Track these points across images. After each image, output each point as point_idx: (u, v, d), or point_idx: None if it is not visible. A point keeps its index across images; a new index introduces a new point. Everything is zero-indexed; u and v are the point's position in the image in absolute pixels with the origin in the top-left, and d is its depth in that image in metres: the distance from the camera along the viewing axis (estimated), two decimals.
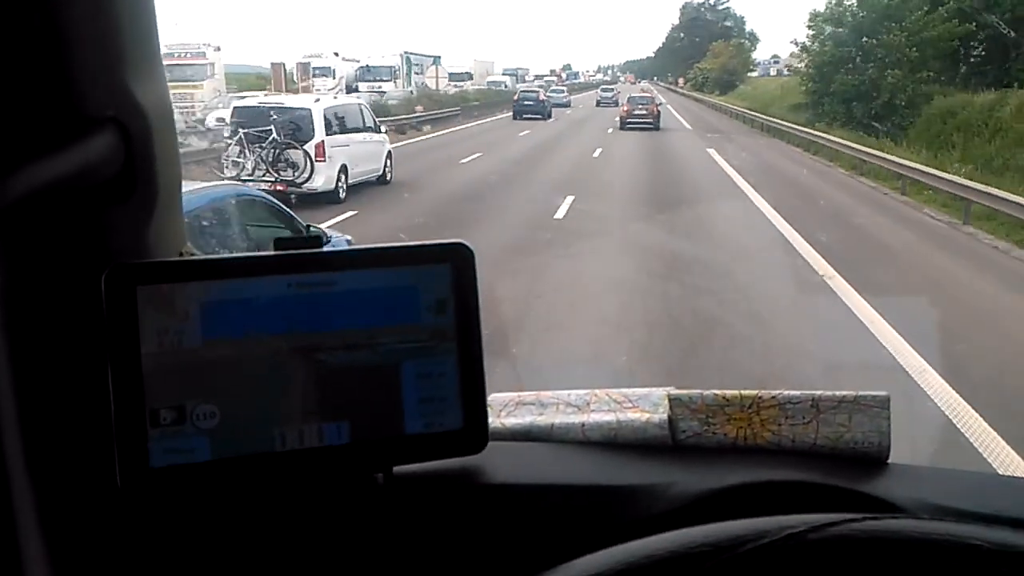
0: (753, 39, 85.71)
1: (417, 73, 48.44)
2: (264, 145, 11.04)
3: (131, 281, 0.69)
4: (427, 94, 35.43)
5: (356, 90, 42.95)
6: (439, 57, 58.51)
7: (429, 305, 0.76)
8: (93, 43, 0.67)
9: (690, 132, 30.91)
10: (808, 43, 28.72)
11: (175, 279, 0.71)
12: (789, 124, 26.51)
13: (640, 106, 31.16)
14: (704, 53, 76.39)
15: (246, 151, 11.11)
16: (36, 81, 0.63)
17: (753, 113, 34.06)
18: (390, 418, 0.76)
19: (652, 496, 0.81)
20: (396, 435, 0.76)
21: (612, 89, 55.30)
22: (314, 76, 41.50)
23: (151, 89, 0.73)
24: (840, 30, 27.80)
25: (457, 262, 0.77)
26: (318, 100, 13.06)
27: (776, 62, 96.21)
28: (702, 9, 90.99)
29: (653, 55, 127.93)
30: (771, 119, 29.32)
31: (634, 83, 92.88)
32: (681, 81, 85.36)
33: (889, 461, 0.85)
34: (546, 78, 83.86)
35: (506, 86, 59.24)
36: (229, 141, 11.33)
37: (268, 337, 0.73)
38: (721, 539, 0.59)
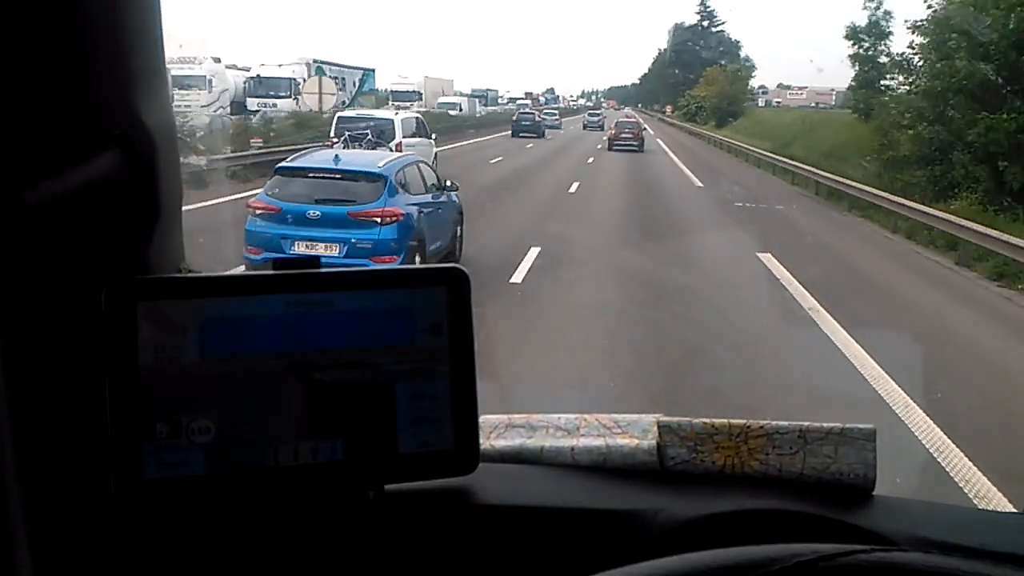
0: (749, 66, 76.48)
1: (340, 89, 36.82)
2: (362, 143, 15.22)
3: (131, 297, 0.70)
4: (300, 119, 23.41)
5: (245, 107, 32.02)
6: (372, 71, 46.76)
7: (424, 327, 0.77)
8: (103, 65, 0.69)
9: (703, 194, 19.15)
10: (917, 56, 17.06)
11: (174, 296, 0.72)
12: (892, 197, 14.61)
13: (626, 130, 34.26)
14: (696, 79, 66.03)
15: (348, 147, 15.07)
16: (48, 100, 0.65)
17: (789, 162, 22.31)
18: (383, 437, 0.77)
19: (641, 521, 0.81)
20: (389, 454, 0.77)
21: (599, 114, 57.66)
22: (179, 88, 29.68)
23: (156, 109, 0.74)
24: (953, 37, 16.19)
25: (453, 285, 0.78)
26: (397, 113, 18.43)
27: (764, 92, 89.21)
28: (694, 32, 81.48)
29: (639, 81, 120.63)
30: (845, 181, 17.25)
31: (617, 109, 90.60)
32: (670, 109, 74.30)
33: (874, 493, 0.85)
34: (519, 101, 75.23)
35: (461, 109, 47.62)
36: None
37: (265, 355, 0.73)
38: (730, 564, 0.58)
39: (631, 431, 0.92)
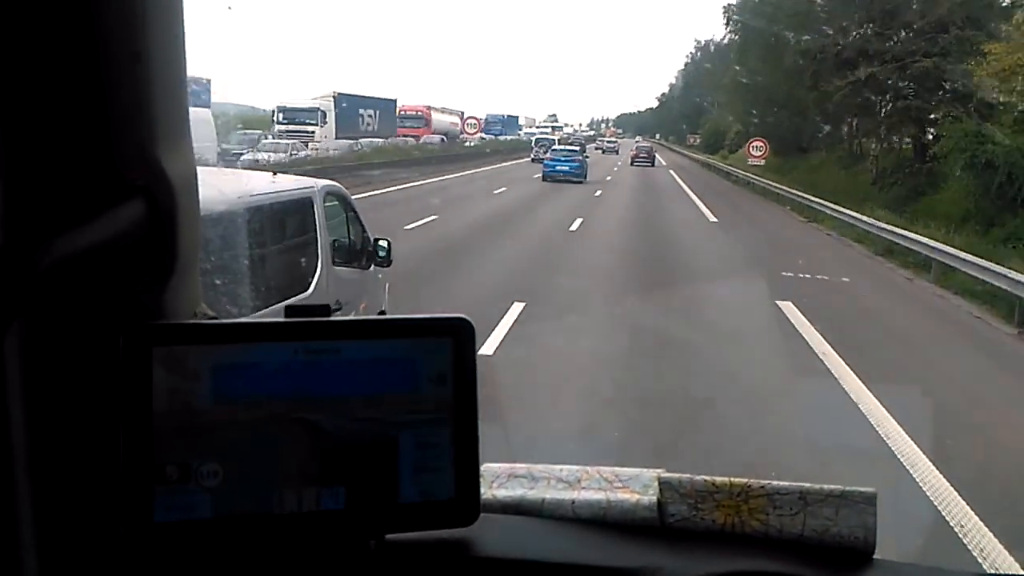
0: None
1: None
2: (546, 149, 37.95)
3: (147, 342, 0.72)
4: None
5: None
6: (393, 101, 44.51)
7: (429, 377, 0.79)
8: (127, 117, 0.72)
9: None
10: None
11: (188, 341, 0.74)
12: None
13: (643, 152, 53.16)
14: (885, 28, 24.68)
15: (538, 150, 40.73)
16: (72, 152, 0.68)
17: None
18: (385, 486, 0.78)
19: None
20: (391, 503, 0.78)
21: (615, 141, 77.24)
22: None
23: (178, 160, 0.78)
24: None
25: (458, 336, 0.80)
26: (556, 136, 56.02)
27: None
28: None
29: (657, 105, 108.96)
30: None
31: (620, 137, 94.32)
32: (764, 150, 32.45)
33: (875, 557, 0.87)
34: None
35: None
36: (535, 147, 44.61)
37: (273, 401, 0.75)
38: None
39: (632, 485, 0.93)
